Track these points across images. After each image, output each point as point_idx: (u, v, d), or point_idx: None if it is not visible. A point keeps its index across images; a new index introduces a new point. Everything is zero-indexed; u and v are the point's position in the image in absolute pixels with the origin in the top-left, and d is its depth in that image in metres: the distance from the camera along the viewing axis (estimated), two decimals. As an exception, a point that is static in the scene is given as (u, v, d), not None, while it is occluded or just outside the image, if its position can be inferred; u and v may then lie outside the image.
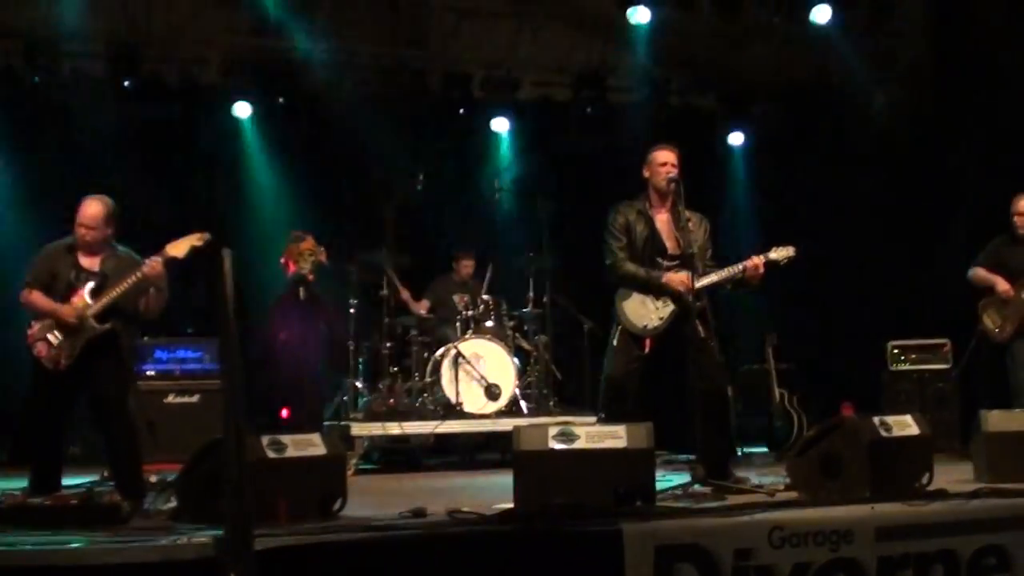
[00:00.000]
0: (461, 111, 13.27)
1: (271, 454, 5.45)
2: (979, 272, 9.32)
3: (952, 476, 6.63)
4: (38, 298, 6.98)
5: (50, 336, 6.88)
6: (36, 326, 6.91)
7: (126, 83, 12.04)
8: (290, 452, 5.54)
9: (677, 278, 7.14)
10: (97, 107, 11.77)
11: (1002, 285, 9.12)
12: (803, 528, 5.28)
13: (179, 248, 7.02)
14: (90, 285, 6.94)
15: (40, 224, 10.10)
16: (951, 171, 12.74)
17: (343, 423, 9.91)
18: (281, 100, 12.67)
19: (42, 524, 5.19)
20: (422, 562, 4.84)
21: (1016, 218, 9.14)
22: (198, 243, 7.09)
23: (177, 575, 4.58)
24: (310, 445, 5.69)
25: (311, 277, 9.63)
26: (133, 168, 11.22)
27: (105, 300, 6.90)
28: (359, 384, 10.63)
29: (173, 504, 5.82)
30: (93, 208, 7.04)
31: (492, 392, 10.00)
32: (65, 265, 7.04)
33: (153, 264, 6.90)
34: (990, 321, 9.22)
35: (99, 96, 11.92)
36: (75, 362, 6.86)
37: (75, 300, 6.92)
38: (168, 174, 11.79)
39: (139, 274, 6.90)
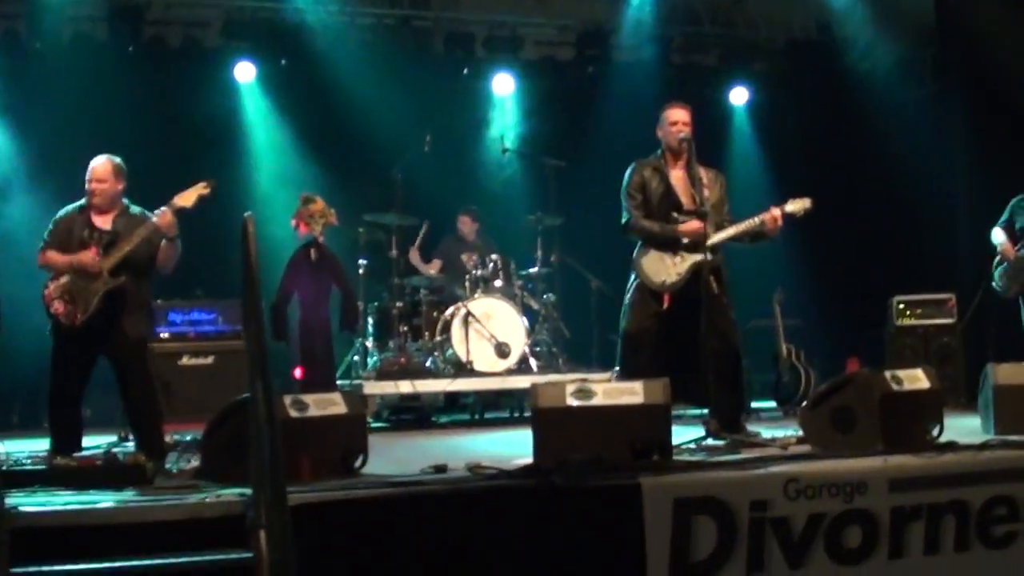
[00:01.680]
0: (465, 71, 13.31)
1: (294, 413, 5.51)
2: (997, 232, 9.48)
3: (959, 430, 6.69)
4: (54, 256, 7.05)
5: (66, 294, 6.94)
6: (52, 285, 6.97)
7: (130, 48, 12.06)
8: (312, 411, 5.60)
9: (691, 226, 7.25)
10: (100, 72, 11.78)
11: (1004, 246, 9.32)
12: (818, 480, 5.36)
13: (187, 198, 7.12)
14: (103, 242, 7.01)
15: (45, 190, 10.17)
16: (953, 127, 12.78)
17: (355, 382, 10.01)
18: (284, 62, 12.69)
19: (69, 484, 5.25)
20: (446, 516, 4.93)
21: None
22: (205, 191, 7.21)
23: (204, 533, 4.65)
24: (331, 404, 5.75)
25: (322, 238, 9.69)
26: (137, 133, 11.22)
27: (118, 255, 6.97)
28: (369, 344, 10.71)
29: (195, 464, 5.89)
30: (102, 164, 7.16)
31: (502, 350, 10.08)
32: (79, 225, 7.12)
33: (163, 215, 6.98)
34: (1000, 279, 9.42)
35: (102, 60, 11.93)
36: (92, 319, 6.92)
37: (90, 253, 6.99)
38: (173, 137, 11.78)
39: (150, 225, 6.98)
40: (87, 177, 7.15)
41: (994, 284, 9.51)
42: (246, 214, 4.72)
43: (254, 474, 4.46)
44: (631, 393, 5.80)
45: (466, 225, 11.58)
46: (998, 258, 9.44)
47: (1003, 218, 9.49)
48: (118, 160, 7.24)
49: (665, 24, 13.61)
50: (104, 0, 12.11)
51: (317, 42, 12.52)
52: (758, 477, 5.39)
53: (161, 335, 10.03)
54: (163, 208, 7.03)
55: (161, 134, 11.65)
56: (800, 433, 6.60)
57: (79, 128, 10.95)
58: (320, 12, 12.42)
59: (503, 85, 13.36)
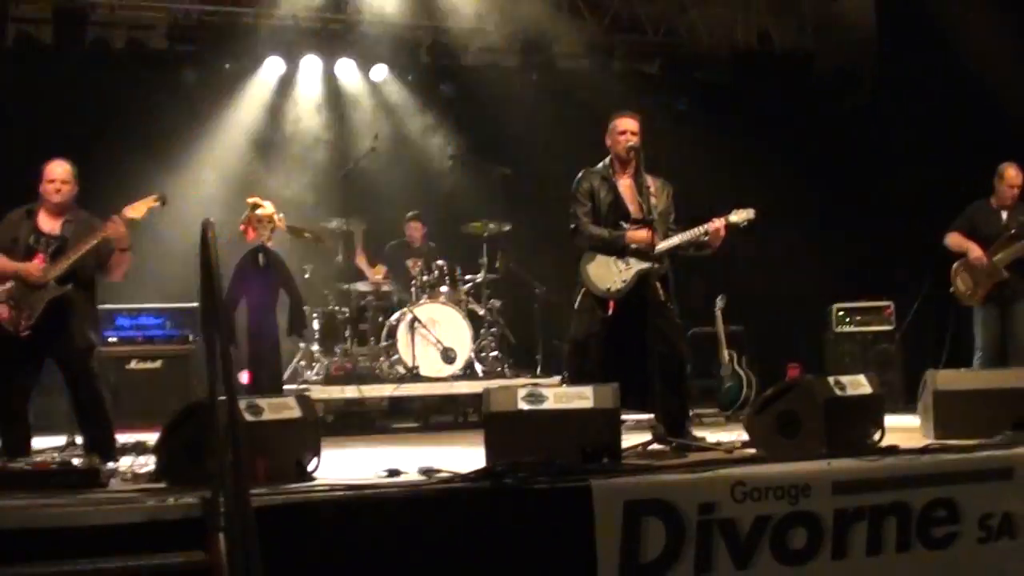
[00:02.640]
0: (409, 77, 13.36)
1: (249, 417, 5.54)
2: (954, 237, 9.36)
3: (899, 434, 6.83)
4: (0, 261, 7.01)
5: (11, 299, 6.91)
6: None
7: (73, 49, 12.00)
8: (267, 415, 5.63)
9: (639, 234, 7.35)
10: (44, 74, 11.71)
11: (975, 252, 9.15)
12: (763, 483, 5.46)
13: (137, 210, 7.15)
14: (50, 248, 7.00)
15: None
16: (894, 134, 12.99)
17: (301, 387, 10.04)
18: (227, 66, 12.68)
19: (23, 487, 5.24)
20: (403, 518, 4.98)
21: (1004, 187, 9.22)
22: (155, 204, 7.24)
23: (163, 535, 4.65)
24: (285, 408, 5.79)
25: (270, 243, 9.71)
26: (81, 136, 11.17)
27: (65, 263, 6.96)
28: (315, 349, 10.74)
29: (150, 467, 5.90)
30: (63, 165, 7.15)
31: (448, 356, 10.17)
32: (25, 229, 7.08)
33: (114, 224, 6.99)
34: (962, 284, 9.30)
35: (46, 62, 11.86)
36: (37, 325, 6.90)
37: (35, 262, 6.96)
38: (115, 140, 11.72)
39: (100, 235, 6.97)
40: (48, 177, 7.12)
41: (953, 290, 9.39)
42: (205, 219, 4.75)
43: (214, 476, 4.51)
44: (581, 398, 5.90)
45: (413, 231, 11.63)
46: (958, 264, 9.32)
47: (959, 223, 9.37)
48: (72, 163, 7.25)
49: (608, 32, 13.74)
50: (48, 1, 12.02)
51: (261, 45, 12.55)
52: (706, 480, 5.46)
53: (109, 339, 10.02)
54: (114, 217, 7.03)
55: (104, 137, 11.57)
56: (744, 437, 6.73)
57: (22, 132, 10.93)
58: (263, 15, 12.45)
59: (447, 91, 13.41)
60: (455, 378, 10.25)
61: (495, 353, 10.83)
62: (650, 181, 7.45)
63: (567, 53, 13.77)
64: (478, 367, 10.50)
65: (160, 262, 9.87)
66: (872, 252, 13.19)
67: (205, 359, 4.61)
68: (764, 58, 14.20)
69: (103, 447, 6.71)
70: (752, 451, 6.44)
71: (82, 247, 6.98)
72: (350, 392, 9.93)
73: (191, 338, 10.38)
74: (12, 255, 7.02)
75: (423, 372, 10.16)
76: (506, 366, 10.71)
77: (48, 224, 7.13)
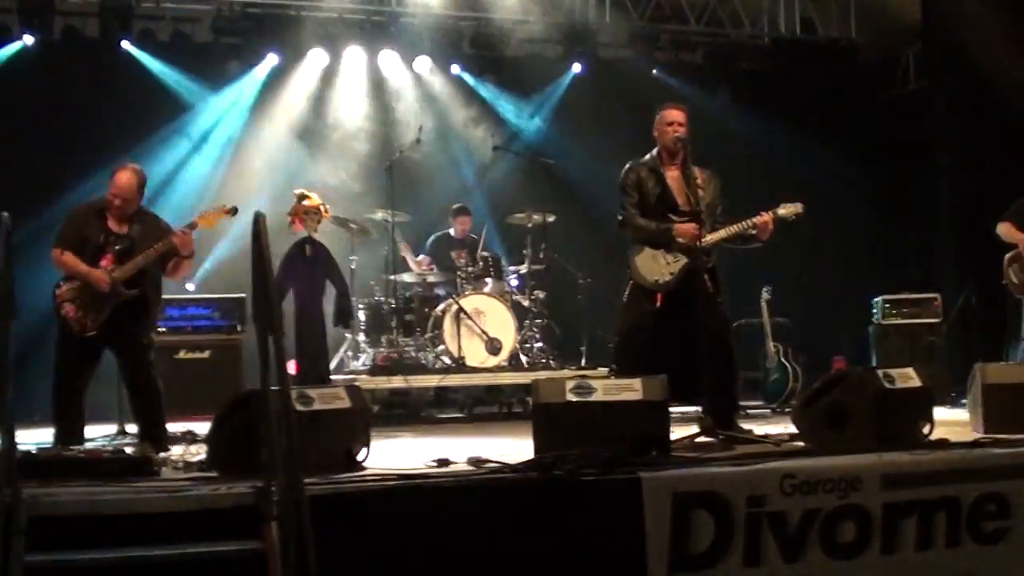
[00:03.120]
0: (452, 68, 13.38)
1: (299, 407, 5.56)
2: (1005, 227, 9.24)
3: (947, 428, 6.79)
4: (70, 260, 7.09)
5: (78, 299, 7.01)
6: (64, 287, 7.03)
7: (121, 42, 12.09)
8: (317, 405, 5.66)
9: (686, 227, 7.33)
10: (90, 67, 11.81)
11: None
12: (813, 476, 5.44)
13: (208, 220, 7.33)
14: (118, 249, 7.07)
15: (39, 187, 10.21)
16: (940, 123, 12.89)
17: (347, 377, 10.10)
18: (276, 58, 12.74)
19: (79, 475, 5.30)
20: (453, 508, 5.01)
21: None
22: (225, 215, 7.34)
23: (215, 523, 4.70)
24: (336, 398, 5.82)
25: (316, 235, 9.76)
26: (126, 127, 11.29)
27: (132, 266, 7.03)
28: (361, 339, 10.79)
29: (200, 456, 5.96)
30: (125, 177, 7.22)
31: (493, 346, 10.20)
32: (95, 228, 7.17)
33: (183, 235, 7.12)
34: (1015, 276, 9.23)
35: (93, 55, 11.96)
36: (101, 325, 6.99)
37: (103, 264, 7.04)
38: (161, 131, 11.82)
39: (168, 242, 7.07)
40: (111, 188, 7.22)
41: (1006, 282, 9.29)
42: (257, 211, 4.80)
43: (267, 466, 4.55)
44: (630, 389, 5.89)
45: (460, 223, 11.65)
46: (1011, 254, 9.24)
47: (1010, 214, 9.23)
48: (140, 170, 7.36)
49: (651, 22, 13.72)
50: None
51: (307, 38, 12.60)
52: (755, 473, 5.46)
53: (158, 329, 10.07)
54: (184, 229, 7.17)
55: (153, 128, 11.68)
56: (791, 430, 6.71)
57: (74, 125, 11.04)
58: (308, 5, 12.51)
59: (491, 82, 13.43)
60: (500, 369, 10.29)
61: (540, 344, 10.85)
62: (698, 173, 7.42)
63: (610, 43, 13.74)
64: (523, 358, 10.53)
65: (208, 253, 9.92)
66: (918, 243, 13.11)
67: (258, 350, 4.65)
68: (807, 47, 14.13)
69: (156, 436, 6.80)
70: (801, 444, 6.42)
71: (149, 252, 7.08)
72: (396, 382, 9.98)
73: (239, 328, 10.45)
74: (80, 253, 7.12)
75: (468, 362, 10.19)
76: (551, 357, 10.72)
77: (117, 224, 7.23)
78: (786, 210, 7.44)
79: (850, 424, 6.20)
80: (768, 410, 10.29)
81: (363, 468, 5.72)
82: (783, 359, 10.59)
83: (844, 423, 6.21)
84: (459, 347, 10.18)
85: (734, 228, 7.44)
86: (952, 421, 7.53)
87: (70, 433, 6.92)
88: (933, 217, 13.03)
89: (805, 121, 13.56)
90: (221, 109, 12.44)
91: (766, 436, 6.88)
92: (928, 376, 6.84)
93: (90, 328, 6.95)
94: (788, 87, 13.94)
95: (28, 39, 11.67)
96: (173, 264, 7.28)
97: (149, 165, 8.62)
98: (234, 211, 7.49)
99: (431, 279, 11.02)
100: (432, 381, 10.15)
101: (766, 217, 7.38)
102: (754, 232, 7.42)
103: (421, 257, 11.50)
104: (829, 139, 13.55)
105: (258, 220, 4.73)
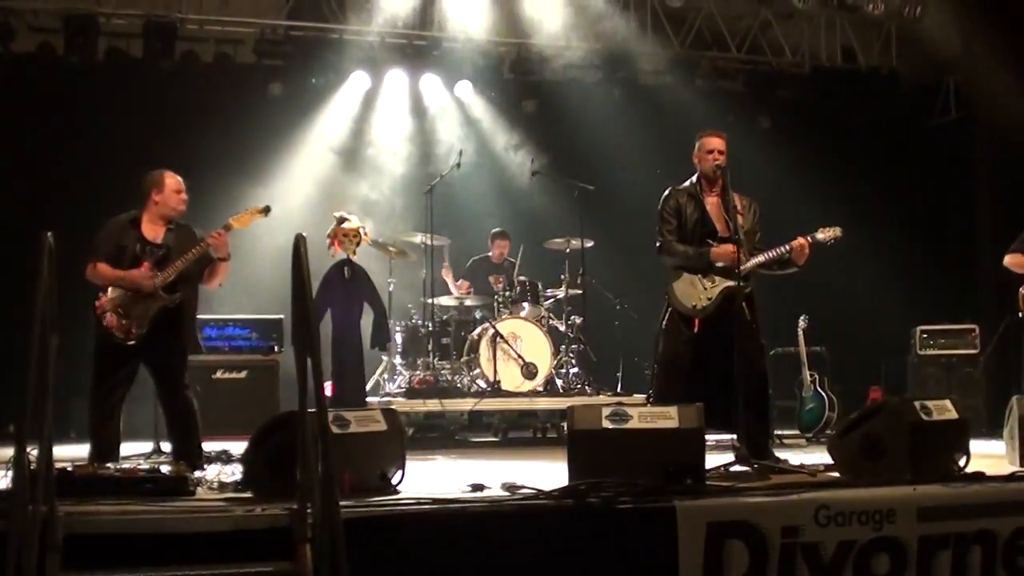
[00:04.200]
0: (492, 93, 13.43)
1: (335, 429, 5.58)
2: (1014, 258, 9.12)
3: (984, 461, 6.73)
4: (105, 269, 7.13)
5: (119, 308, 7.05)
6: (104, 297, 7.06)
7: (163, 63, 12.19)
8: (353, 428, 5.69)
9: (723, 248, 7.32)
10: (134, 88, 11.91)
11: None
12: (848, 507, 5.44)
13: (243, 221, 7.33)
14: (155, 257, 7.14)
15: (83, 204, 10.29)
16: (979, 153, 12.84)
17: (383, 399, 10.14)
18: (313, 81, 12.82)
19: (114, 493, 5.34)
20: (486, 534, 5.02)
21: None
22: (259, 214, 7.38)
23: (250, 544, 4.73)
24: (372, 421, 5.85)
25: (355, 257, 9.81)
26: (169, 148, 11.34)
27: (172, 272, 7.09)
28: (397, 362, 10.82)
29: (235, 476, 5.99)
30: (179, 179, 7.32)
31: (529, 371, 10.23)
32: (130, 238, 7.22)
33: (219, 236, 7.13)
34: None
35: (136, 76, 12.07)
36: (145, 333, 7.04)
37: (143, 271, 7.10)
38: (203, 152, 11.89)
39: (203, 245, 7.12)
40: (175, 188, 7.30)
41: (1022, 315, 9.18)
42: (298, 234, 4.83)
43: (301, 487, 4.57)
44: (666, 417, 5.88)
45: (498, 247, 11.69)
46: None
47: (1019, 242, 9.07)
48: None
49: (691, 49, 13.73)
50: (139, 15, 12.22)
51: (349, 61, 12.69)
52: (790, 503, 5.46)
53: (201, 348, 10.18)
54: (219, 230, 7.19)
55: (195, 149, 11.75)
56: (826, 460, 6.68)
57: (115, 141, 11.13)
58: (349, 31, 12.59)
59: (530, 105, 13.47)
60: (535, 394, 10.30)
61: (576, 370, 10.85)
62: (737, 199, 7.41)
63: (650, 70, 13.73)
64: (559, 383, 10.54)
65: (246, 273, 9.97)
66: (956, 273, 13.03)
67: (296, 371, 4.67)
68: (848, 75, 14.09)
69: (191, 456, 6.83)
70: (836, 474, 6.39)
71: (187, 256, 7.13)
72: (432, 405, 9.99)
73: (276, 349, 10.51)
74: (117, 264, 7.16)
75: (504, 387, 10.21)
76: (587, 383, 10.72)
77: (152, 232, 7.29)
78: (824, 234, 7.41)
79: (886, 455, 6.16)
80: (804, 439, 10.24)
81: (397, 491, 5.74)
82: (819, 388, 10.54)
83: (880, 454, 6.18)
84: (495, 371, 10.21)
85: (772, 253, 7.41)
86: (989, 454, 7.46)
87: (105, 450, 6.95)
88: (972, 247, 12.96)
89: (845, 149, 13.54)
90: (263, 129, 12.48)
91: (801, 466, 6.84)
92: (965, 408, 6.80)
93: (135, 334, 6.99)
94: (828, 115, 13.89)
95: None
96: (210, 270, 7.32)
97: (188, 185, 8.69)
98: (267, 210, 7.53)
99: (468, 303, 11.06)
100: (467, 405, 10.16)
101: (803, 241, 7.36)
102: (791, 256, 7.38)
103: (461, 281, 11.55)
104: (869, 168, 13.52)
105: (298, 243, 4.77)
